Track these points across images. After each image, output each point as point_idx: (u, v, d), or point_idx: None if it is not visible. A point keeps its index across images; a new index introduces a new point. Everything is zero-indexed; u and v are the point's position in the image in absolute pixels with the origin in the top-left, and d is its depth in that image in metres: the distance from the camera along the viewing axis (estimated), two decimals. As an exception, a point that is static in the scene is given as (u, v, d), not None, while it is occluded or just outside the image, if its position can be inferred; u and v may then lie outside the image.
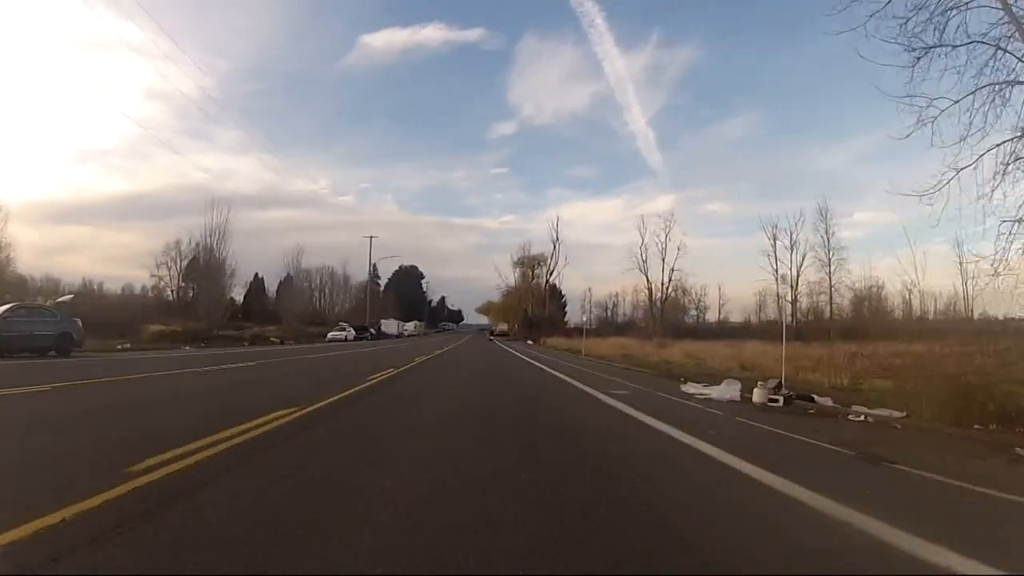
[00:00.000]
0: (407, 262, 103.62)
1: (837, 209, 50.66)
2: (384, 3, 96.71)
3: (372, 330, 49.24)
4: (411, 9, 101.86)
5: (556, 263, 66.09)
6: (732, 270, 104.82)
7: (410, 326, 73.74)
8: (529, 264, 69.63)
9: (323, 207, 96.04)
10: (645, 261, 53.21)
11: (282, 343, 32.10)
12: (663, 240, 51.51)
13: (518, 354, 27.15)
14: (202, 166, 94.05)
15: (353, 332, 43.09)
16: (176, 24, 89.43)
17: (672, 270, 51.85)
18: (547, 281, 67.79)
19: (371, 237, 56.62)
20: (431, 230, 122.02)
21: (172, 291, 45.56)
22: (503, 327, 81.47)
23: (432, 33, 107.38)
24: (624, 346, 33.78)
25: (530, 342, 51.12)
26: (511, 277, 70.82)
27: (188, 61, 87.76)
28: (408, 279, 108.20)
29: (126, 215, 76.37)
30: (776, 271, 47.40)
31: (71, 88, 67.23)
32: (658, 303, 56.00)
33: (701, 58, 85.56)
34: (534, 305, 67.22)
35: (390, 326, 61.20)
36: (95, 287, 40.58)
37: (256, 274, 55.40)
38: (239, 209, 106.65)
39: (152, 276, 45.20)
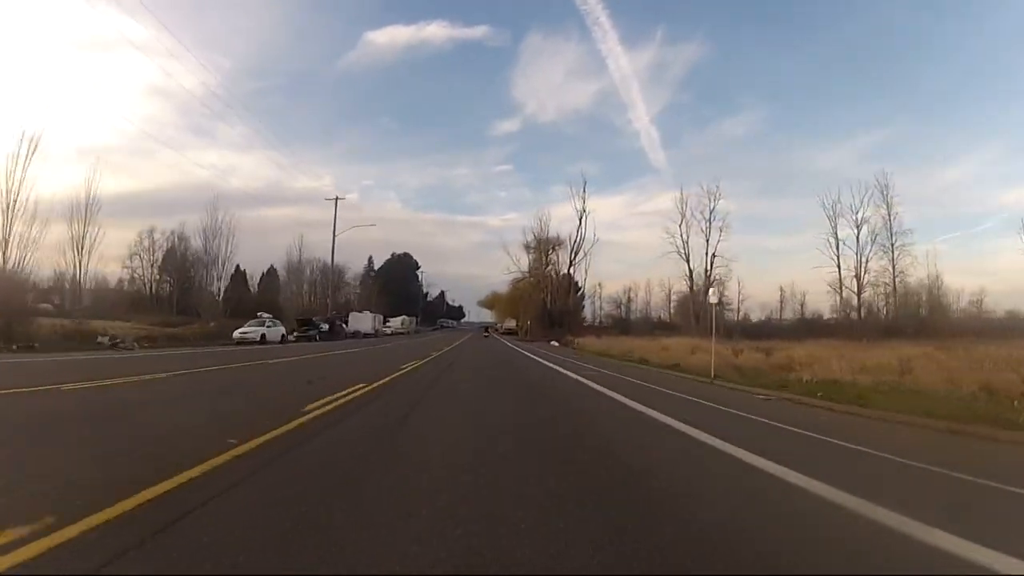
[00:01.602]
0: (400, 250, 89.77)
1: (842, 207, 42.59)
2: (386, 1, 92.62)
3: (324, 325, 33.99)
4: (414, 7, 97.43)
5: (582, 240, 50.82)
6: (741, 268, 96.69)
7: (396, 322, 58.43)
8: (545, 247, 54.17)
9: (327, 204, 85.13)
10: (687, 242, 44.82)
11: (113, 346, 17.30)
12: (707, 216, 44.02)
13: (578, 378, 12.17)
14: (205, 163, 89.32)
15: (282, 330, 27.92)
16: (177, 22, 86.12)
17: (714, 255, 44.28)
18: (571, 264, 52.36)
19: (336, 199, 41.95)
20: (434, 227, 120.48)
21: (145, 284, 42.08)
22: (510, 323, 65.71)
23: (435, 30, 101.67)
24: (697, 348, 19.99)
25: (554, 343, 36.15)
26: (524, 260, 55.48)
27: (191, 58, 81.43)
28: (401, 268, 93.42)
29: (129, 212, 74.75)
30: (838, 258, 41.35)
31: (72, 84, 58.20)
32: (701, 295, 45.61)
33: (705, 56, 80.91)
34: (554, 296, 51.81)
35: (362, 320, 45.66)
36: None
37: (237, 267, 45.81)
38: (242, 206, 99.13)
39: (124, 268, 41.07)
